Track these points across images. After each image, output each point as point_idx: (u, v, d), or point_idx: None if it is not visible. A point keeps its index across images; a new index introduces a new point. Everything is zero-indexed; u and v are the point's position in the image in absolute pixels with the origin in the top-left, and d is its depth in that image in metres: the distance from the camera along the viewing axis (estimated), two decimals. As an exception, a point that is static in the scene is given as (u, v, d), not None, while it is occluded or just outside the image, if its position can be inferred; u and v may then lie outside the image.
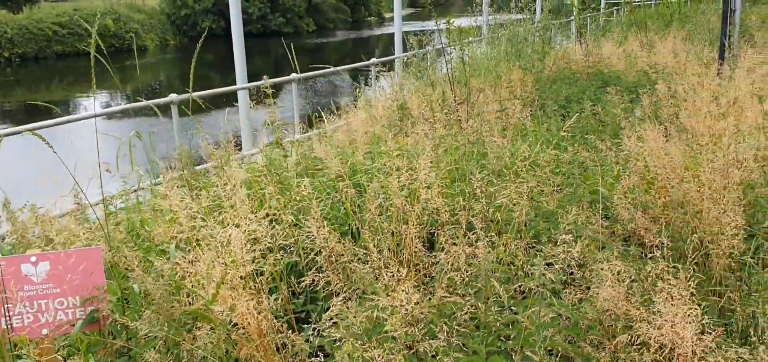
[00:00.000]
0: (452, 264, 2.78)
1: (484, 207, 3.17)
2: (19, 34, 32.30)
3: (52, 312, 2.55)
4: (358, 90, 8.48)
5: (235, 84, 8.74)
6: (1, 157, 4.36)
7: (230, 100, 8.88)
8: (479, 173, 3.24)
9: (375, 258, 2.71)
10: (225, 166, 3.84)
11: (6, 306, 2.46)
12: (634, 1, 22.30)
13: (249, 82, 9.06)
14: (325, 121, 6.52)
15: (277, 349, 2.53)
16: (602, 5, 22.79)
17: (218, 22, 42.86)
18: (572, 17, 14.74)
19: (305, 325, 2.82)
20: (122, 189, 4.67)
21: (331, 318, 2.31)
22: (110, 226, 3.80)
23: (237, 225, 2.48)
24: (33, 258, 2.51)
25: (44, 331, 2.53)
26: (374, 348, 2.05)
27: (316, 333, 2.71)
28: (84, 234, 3.36)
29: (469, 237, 2.99)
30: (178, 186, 3.40)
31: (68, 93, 29.52)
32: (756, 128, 4.63)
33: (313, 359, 2.62)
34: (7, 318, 2.44)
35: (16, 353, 2.44)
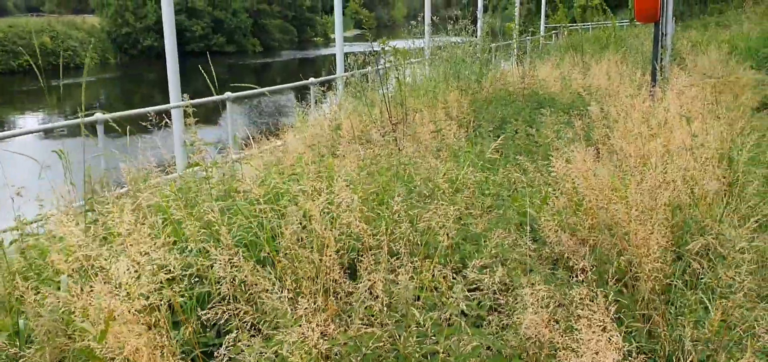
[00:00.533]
0: (371, 292, 2.64)
1: (405, 230, 3.04)
2: (-56, 54, 31.10)
3: (-77, 353, 2.30)
4: (298, 110, 8.32)
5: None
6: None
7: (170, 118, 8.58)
8: (404, 194, 3.11)
9: (288, 288, 2.54)
10: (139, 190, 3.62)
11: None
12: (572, 26, 22.85)
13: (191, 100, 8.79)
14: (258, 142, 6.32)
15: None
16: (542, 29, 23.24)
17: (160, 41, 42.17)
18: (511, 40, 14.94)
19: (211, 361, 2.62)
20: (39, 214, 4.37)
21: (229, 356, 2.13)
22: (12, 255, 3.53)
23: (128, 255, 2.27)
24: None
25: None
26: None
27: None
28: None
29: (391, 263, 2.86)
30: (83, 212, 3.16)
31: (1, 112, 28.50)
32: (684, 149, 4.65)
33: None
34: None
35: None
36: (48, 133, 14.68)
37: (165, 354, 2.26)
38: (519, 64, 10.81)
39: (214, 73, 4.67)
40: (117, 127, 6.35)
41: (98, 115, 6.76)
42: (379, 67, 7.45)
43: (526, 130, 5.81)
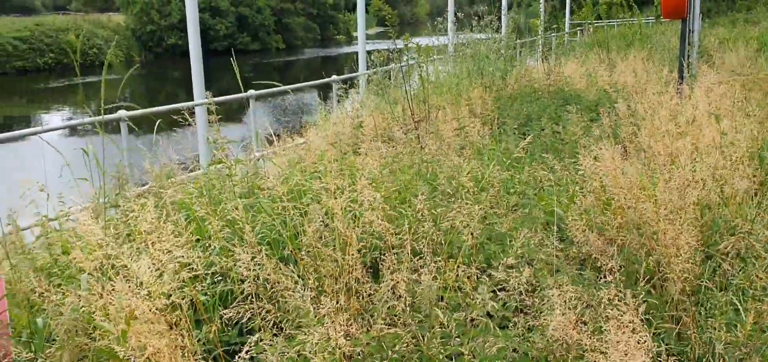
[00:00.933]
0: (394, 292, 2.60)
1: (429, 230, 2.99)
2: (-28, 50, 31.57)
3: (-52, 350, 2.30)
4: (321, 108, 8.30)
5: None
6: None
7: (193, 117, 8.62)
8: (428, 193, 3.07)
9: (311, 287, 2.51)
10: (162, 187, 3.61)
11: None
12: (598, 22, 22.57)
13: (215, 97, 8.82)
14: (281, 140, 6.31)
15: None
16: (567, 26, 23.00)
17: (185, 39, 42.40)
18: (536, 37, 14.79)
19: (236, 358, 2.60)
20: (61, 210, 4.40)
21: (251, 355, 2.10)
22: (38, 250, 3.55)
23: (150, 253, 2.26)
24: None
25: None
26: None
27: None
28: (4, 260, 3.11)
29: (414, 263, 2.82)
30: (104, 209, 3.16)
31: (29, 109, 28.88)
32: (713, 147, 4.55)
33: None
34: None
35: None
36: (74, 131, 14.85)
37: (186, 354, 2.24)
38: (544, 61, 10.69)
39: (238, 71, 4.67)
40: (134, 126, 6.38)
41: (122, 113, 6.80)
42: (402, 64, 7.40)
43: (553, 128, 5.73)
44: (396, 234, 3.00)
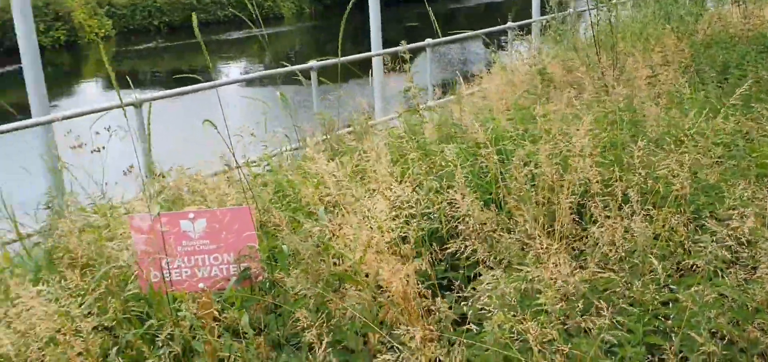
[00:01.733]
0: (606, 238, 2.63)
1: (641, 178, 2.96)
2: (167, 3, 34.18)
3: (208, 268, 2.67)
4: (493, 55, 8.27)
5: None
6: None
7: (364, 69, 8.96)
8: (639, 142, 3.03)
9: (522, 229, 2.61)
10: (364, 132, 3.86)
11: (167, 260, 2.60)
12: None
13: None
14: (462, 85, 6.38)
15: (421, 315, 2.51)
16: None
17: (353, -9, 43.24)
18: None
19: (447, 292, 2.78)
20: (265, 153, 4.83)
21: (474, 287, 2.25)
22: (257, 188, 3.94)
23: (382, 192, 2.47)
24: (191, 215, 2.63)
25: (201, 286, 2.65)
26: (528, 320, 1.97)
27: (458, 302, 2.66)
28: (235, 194, 3.50)
29: (623, 210, 2.82)
30: (320, 152, 3.44)
31: (212, 60, 31.04)
32: None
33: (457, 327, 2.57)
34: (168, 272, 2.58)
35: (175, 306, 2.56)
36: (248, 84, 15.84)
37: (414, 282, 2.44)
38: (738, 4, 9.81)
39: (432, 17, 4.79)
40: (298, 79, 6.72)
41: (313, 63, 7.24)
42: (585, 8, 7.15)
43: (758, 75, 5.32)
44: (604, 182, 3.01)
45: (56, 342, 2.12)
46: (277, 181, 3.96)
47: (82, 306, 2.23)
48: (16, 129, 5.51)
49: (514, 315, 2.04)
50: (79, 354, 2.12)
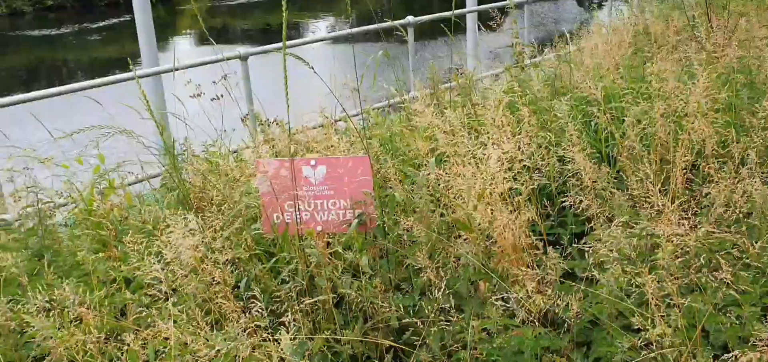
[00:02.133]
0: (722, 199, 2.60)
1: (761, 140, 2.89)
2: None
3: (326, 212, 2.82)
4: (593, 11, 8.07)
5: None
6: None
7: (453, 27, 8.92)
8: (765, 102, 2.95)
9: (637, 186, 2.61)
10: (470, 88, 3.90)
11: (297, 204, 2.76)
12: None
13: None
14: (568, 42, 6.28)
15: (529, 266, 2.57)
16: None
17: (440, -53, 42.82)
18: None
19: (556, 246, 2.83)
20: (368, 107, 4.95)
21: (587, 242, 2.29)
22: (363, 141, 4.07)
23: (497, 143, 2.53)
24: (312, 162, 2.78)
25: (318, 229, 2.81)
26: (645, 274, 2.00)
27: (564, 258, 2.71)
28: (343, 145, 3.63)
29: (740, 172, 2.77)
30: (429, 105, 3.52)
31: (298, 17, 31.33)
32: None
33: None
34: (297, 213, 2.74)
35: (302, 244, 2.71)
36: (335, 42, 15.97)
37: (526, 234, 2.51)
38: None
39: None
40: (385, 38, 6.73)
41: (410, 18, 7.29)
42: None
43: None
44: (719, 142, 2.96)
45: (196, 272, 2.32)
46: (381, 135, 4.08)
47: (217, 241, 2.42)
48: (128, 79, 5.81)
49: (631, 269, 2.07)
50: (218, 283, 2.32)
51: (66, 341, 2.01)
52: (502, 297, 2.34)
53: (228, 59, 6.14)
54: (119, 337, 2.24)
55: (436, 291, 2.24)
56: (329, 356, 2.36)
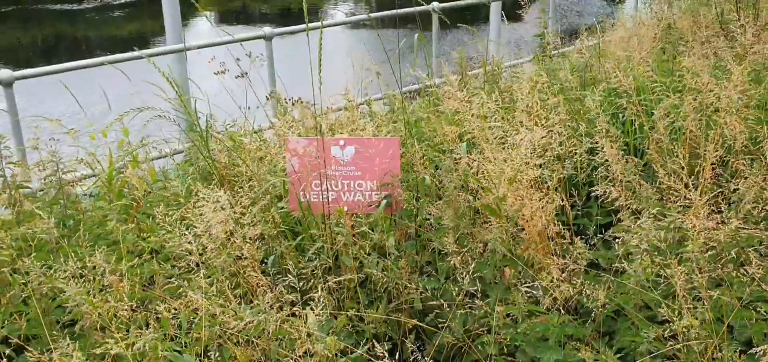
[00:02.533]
0: (751, 196, 2.59)
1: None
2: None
3: (353, 193, 2.84)
4: (620, 4, 8.00)
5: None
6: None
7: (473, 17, 8.86)
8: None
9: (666, 180, 2.60)
10: (498, 75, 3.89)
11: (326, 183, 2.77)
12: None
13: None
14: (598, 32, 6.22)
15: (557, 254, 2.57)
16: None
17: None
18: None
19: (581, 237, 2.82)
20: (392, 91, 4.94)
21: (616, 232, 2.28)
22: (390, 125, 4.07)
23: (529, 128, 2.52)
24: (341, 142, 2.79)
25: (345, 209, 2.82)
26: (675, 266, 1.99)
27: (590, 248, 2.71)
28: (369, 126, 3.63)
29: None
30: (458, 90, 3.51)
31: (317, 1, 31.21)
32: None
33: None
34: (326, 191, 2.76)
35: (330, 222, 2.73)
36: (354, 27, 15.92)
37: (554, 222, 2.51)
38: None
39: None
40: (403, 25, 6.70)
41: (435, 4, 7.26)
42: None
43: None
44: (750, 139, 2.93)
45: (224, 245, 2.34)
46: (408, 118, 4.07)
47: (246, 216, 2.44)
48: (155, 55, 5.86)
49: (661, 261, 2.07)
50: (246, 258, 2.34)
51: (99, 308, 2.04)
52: (528, 284, 2.35)
53: (252, 39, 6.17)
54: (148, 306, 2.27)
55: (464, 274, 2.25)
56: (354, 334, 2.38)
